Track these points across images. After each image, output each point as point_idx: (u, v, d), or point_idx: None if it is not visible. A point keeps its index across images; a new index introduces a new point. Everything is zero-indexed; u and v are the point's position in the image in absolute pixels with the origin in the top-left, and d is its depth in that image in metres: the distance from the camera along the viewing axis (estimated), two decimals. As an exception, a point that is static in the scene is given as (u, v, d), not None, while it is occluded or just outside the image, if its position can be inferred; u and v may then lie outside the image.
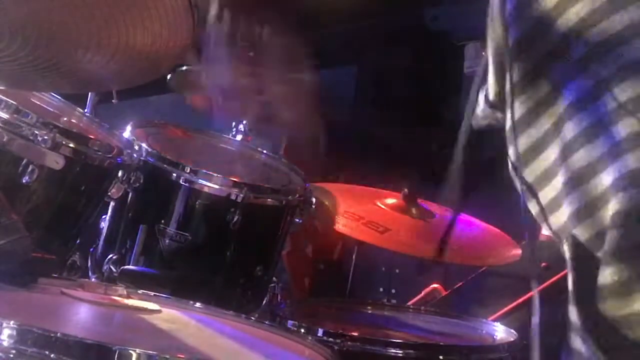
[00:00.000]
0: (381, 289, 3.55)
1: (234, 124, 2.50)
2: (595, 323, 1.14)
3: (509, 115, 1.26)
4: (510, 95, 1.25)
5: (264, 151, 2.41)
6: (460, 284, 2.90)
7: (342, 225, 2.32)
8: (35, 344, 1.13)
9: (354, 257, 3.09)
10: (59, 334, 1.14)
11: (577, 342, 1.17)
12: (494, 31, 1.33)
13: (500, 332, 2.17)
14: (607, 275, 1.11)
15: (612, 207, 1.11)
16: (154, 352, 1.16)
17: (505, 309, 2.54)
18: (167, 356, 1.17)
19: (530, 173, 1.26)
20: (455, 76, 3.38)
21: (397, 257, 3.45)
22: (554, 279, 2.36)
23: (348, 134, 3.91)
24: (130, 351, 1.14)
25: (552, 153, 1.21)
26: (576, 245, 1.16)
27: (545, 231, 1.31)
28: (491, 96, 1.41)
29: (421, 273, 3.19)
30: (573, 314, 1.17)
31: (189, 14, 1.32)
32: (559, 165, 1.20)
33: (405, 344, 1.93)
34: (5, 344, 1.13)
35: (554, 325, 1.25)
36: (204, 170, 2.07)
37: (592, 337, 1.14)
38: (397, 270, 3.54)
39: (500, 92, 1.36)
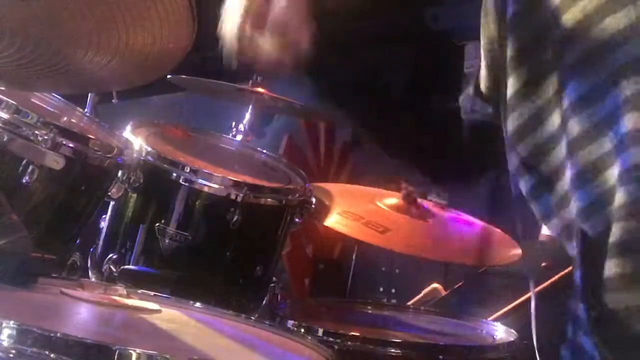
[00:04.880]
0: (381, 289, 3.55)
1: (233, 123, 2.50)
2: (599, 316, 1.14)
3: (514, 116, 1.25)
4: (517, 98, 1.24)
5: (264, 151, 2.41)
6: (460, 284, 2.91)
7: (342, 225, 2.32)
8: (35, 344, 1.12)
9: (354, 257, 3.09)
10: (59, 334, 1.14)
11: (582, 338, 1.17)
12: (487, 27, 1.33)
13: (500, 332, 2.17)
14: (611, 267, 1.11)
15: (616, 201, 1.12)
16: (154, 352, 1.16)
17: (505, 309, 2.54)
18: (167, 356, 1.17)
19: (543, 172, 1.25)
20: (455, 76, 3.38)
21: (397, 257, 3.45)
22: (554, 278, 2.36)
23: (348, 133, 3.92)
24: (130, 351, 1.14)
25: (562, 148, 1.20)
26: (585, 239, 1.16)
27: (545, 231, 1.31)
28: (483, 89, 1.40)
29: (421, 273, 3.19)
30: (580, 309, 1.17)
31: (189, 14, 1.31)
32: (567, 161, 1.19)
33: (405, 344, 1.93)
34: (5, 344, 1.13)
35: (554, 325, 1.25)
36: (204, 170, 2.07)
37: (596, 331, 1.14)
38: (397, 270, 3.55)
39: (492, 86, 1.35)
